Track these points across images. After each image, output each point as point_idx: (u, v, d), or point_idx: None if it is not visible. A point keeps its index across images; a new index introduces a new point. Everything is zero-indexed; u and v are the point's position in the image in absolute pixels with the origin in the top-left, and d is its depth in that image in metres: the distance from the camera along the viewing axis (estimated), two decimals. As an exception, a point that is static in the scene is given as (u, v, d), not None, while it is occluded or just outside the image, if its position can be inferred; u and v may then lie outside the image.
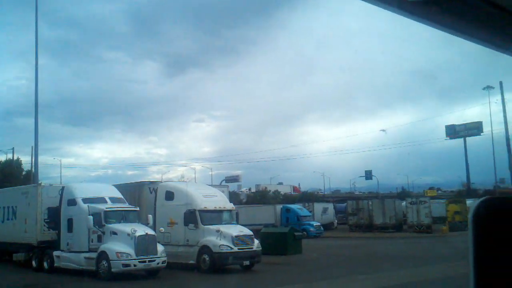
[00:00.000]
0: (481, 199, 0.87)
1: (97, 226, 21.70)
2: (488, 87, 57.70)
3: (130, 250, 20.78)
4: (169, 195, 25.55)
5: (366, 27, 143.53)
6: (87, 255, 21.83)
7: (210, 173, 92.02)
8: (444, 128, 71.40)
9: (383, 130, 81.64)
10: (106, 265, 20.79)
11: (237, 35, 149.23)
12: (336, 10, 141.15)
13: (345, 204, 63.65)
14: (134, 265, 20.89)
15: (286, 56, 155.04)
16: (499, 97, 53.42)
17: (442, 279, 19.00)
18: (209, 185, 33.75)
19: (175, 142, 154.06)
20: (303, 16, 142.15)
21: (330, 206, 64.61)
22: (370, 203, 55.73)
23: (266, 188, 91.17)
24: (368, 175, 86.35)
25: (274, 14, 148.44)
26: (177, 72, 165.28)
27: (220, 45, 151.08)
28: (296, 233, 31.76)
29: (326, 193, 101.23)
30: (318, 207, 61.41)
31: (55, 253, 23.35)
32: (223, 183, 67.30)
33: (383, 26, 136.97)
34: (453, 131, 70.15)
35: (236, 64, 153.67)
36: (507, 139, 51.89)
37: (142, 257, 20.88)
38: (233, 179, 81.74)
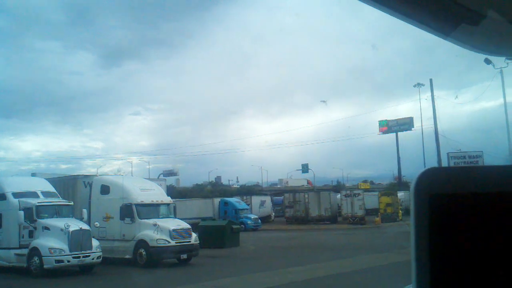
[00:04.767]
0: (423, 169, 0.84)
1: (28, 222, 21.02)
2: (419, 84, 59.86)
3: (63, 246, 20.27)
4: (105, 189, 25.10)
5: (302, 24, 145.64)
6: (17, 251, 21.12)
7: (148, 167, 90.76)
8: (377, 123, 73.60)
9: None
10: (38, 261, 20.18)
11: (174, 27, 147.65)
12: (273, 6, 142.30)
13: (282, 197, 64.56)
14: (68, 261, 20.38)
15: (224, 50, 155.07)
16: (429, 94, 55.61)
17: (375, 268, 19.76)
18: (146, 179, 33.37)
19: (111, 135, 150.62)
20: (241, 10, 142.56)
21: (268, 199, 65.36)
22: (307, 195, 56.82)
23: (287, 181, 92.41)
24: (305, 168, 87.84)
25: (211, 8, 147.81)
26: (112, 63, 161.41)
27: (157, 37, 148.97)
28: (234, 226, 31.97)
29: (264, 186, 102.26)
30: (256, 200, 62.03)
31: (-17, 250, 22.42)
32: (161, 177, 66.59)
33: (319, 24, 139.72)
34: (385, 126, 72.49)
35: (173, 56, 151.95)
36: (436, 134, 54.22)
37: (76, 252, 20.42)
38: (171, 173, 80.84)
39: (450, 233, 0.81)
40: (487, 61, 41.38)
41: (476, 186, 0.82)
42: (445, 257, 0.81)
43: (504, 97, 43.50)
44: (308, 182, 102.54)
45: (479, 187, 0.82)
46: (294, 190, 68.01)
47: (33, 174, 29.79)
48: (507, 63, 40.96)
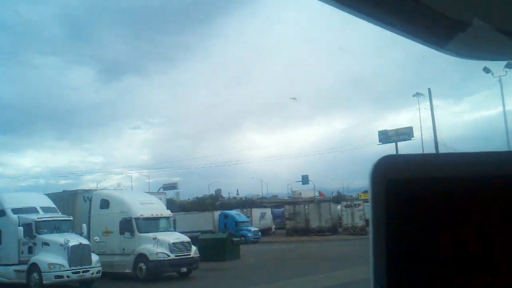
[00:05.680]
0: (380, 157, 0.85)
1: (27, 237, 20.98)
2: (418, 94, 59.98)
3: (63, 261, 20.22)
4: (104, 204, 25.08)
5: (300, 36, 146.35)
6: (17, 267, 21.06)
7: (147, 180, 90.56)
8: (377, 134, 73.61)
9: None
10: (37, 277, 20.13)
11: (173, 41, 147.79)
12: (271, 18, 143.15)
13: (282, 209, 64.40)
14: (67, 276, 20.31)
15: (223, 63, 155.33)
16: (428, 103, 55.75)
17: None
18: (146, 192, 33.34)
19: (111, 150, 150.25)
20: (239, 23, 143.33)
21: (268, 211, 65.18)
22: (307, 207, 56.67)
23: (300, 193, 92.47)
24: (305, 179, 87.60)
25: (210, 21, 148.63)
26: (112, 78, 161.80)
27: (156, 51, 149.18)
28: (234, 239, 31.87)
29: (266, 198, 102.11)
30: (256, 212, 61.88)
31: (-17, 266, 22.35)
32: (161, 190, 66.49)
33: (316, 36, 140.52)
34: (385, 136, 72.47)
35: (173, 70, 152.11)
36: (435, 143, 54.25)
37: (75, 268, 20.35)
38: (171, 186, 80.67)
39: (405, 216, 0.83)
40: (486, 70, 41.49)
41: (432, 172, 0.84)
42: (400, 240, 0.83)
43: (504, 105, 43.66)
44: (321, 194, 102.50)
45: (435, 173, 0.84)
46: (294, 202, 67.80)
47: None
48: (506, 72, 41.16)
